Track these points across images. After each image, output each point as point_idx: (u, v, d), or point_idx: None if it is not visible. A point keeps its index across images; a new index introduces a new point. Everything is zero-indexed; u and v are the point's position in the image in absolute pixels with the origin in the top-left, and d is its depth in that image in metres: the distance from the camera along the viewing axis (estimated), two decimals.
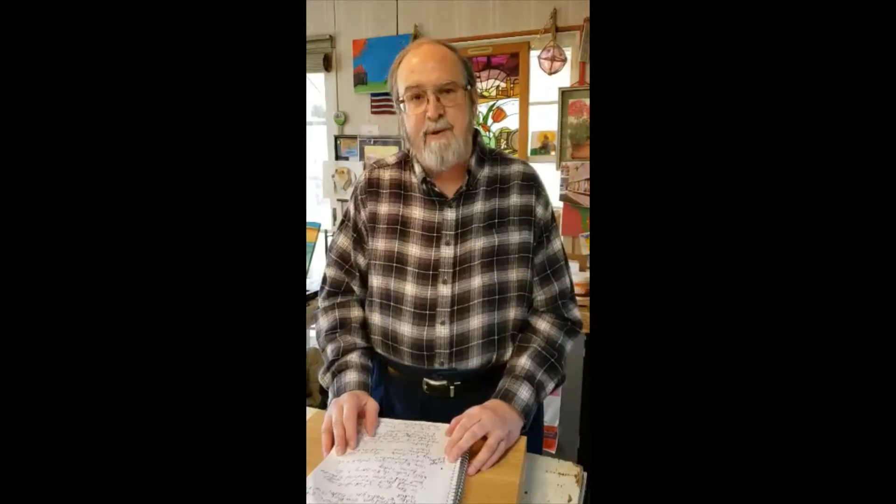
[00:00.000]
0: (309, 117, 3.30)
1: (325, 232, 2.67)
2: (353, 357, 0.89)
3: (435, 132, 0.83)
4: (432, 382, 0.89)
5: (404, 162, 0.94)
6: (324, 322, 0.95)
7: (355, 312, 0.94)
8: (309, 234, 2.17)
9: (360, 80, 2.60)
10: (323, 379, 0.91)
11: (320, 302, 0.98)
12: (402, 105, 0.86)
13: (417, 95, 0.83)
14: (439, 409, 0.82)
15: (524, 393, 0.81)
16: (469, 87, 0.86)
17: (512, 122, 2.31)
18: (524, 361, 0.85)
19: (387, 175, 0.93)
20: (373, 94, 2.59)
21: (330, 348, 0.91)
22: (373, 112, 2.62)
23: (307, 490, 0.63)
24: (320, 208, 2.95)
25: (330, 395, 0.87)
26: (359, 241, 0.94)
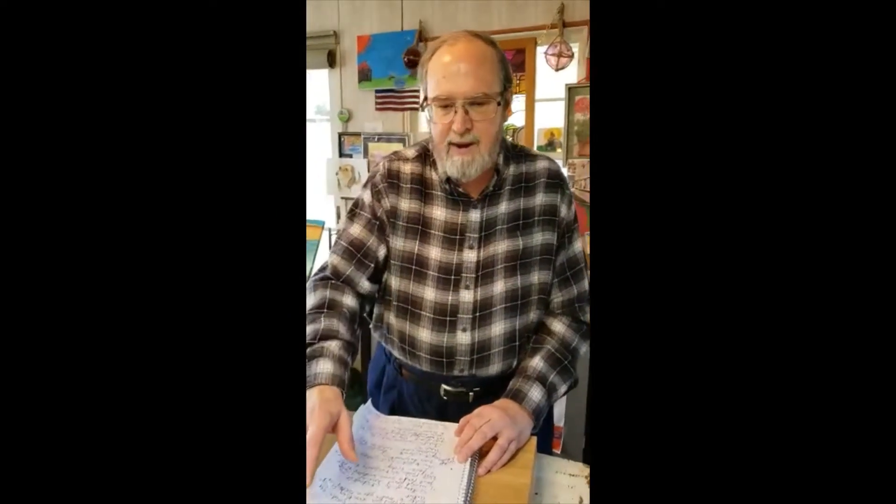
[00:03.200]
0: (313, 114, 3.29)
1: (329, 230, 2.66)
2: (332, 345, 0.75)
3: (460, 145, 0.78)
4: (450, 389, 0.87)
5: (425, 156, 0.87)
6: (310, 300, 0.83)
7: (348, 300, 0.83)
8: (312, 232, 2.15)
9: (364, 76, 2.59)
10: None
11: (310, 281, 0.88)
12: (427, 107, 0.80)
13: (446, 105, 0.77)
14: (456, 414, 0.77)
15: (535, 394, 0.79)
16: (504, 92, 0.80)
17: (518, 119, 2.30)
18: (537, 362, 0.83)
19: (408, 169, 0.87)
20: (377, 91, 2.58)
21: (307, 331, 0.78)
22: (377, 109, 2.61)
23: (315, 479, 0.62)
24: (323, 206, 2.94)
25: None
26: (381, 230, 0.86)
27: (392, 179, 0.87)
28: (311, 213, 2.52)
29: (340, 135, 2.73)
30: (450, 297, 0.84)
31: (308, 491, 0.59)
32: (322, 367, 0.72)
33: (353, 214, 0.90)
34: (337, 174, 2.74)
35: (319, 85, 2.83)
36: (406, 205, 0.86)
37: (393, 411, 0.88)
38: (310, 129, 3.23)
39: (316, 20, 2.64)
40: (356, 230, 0.87)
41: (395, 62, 2.47)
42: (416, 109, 2.54)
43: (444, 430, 0.75)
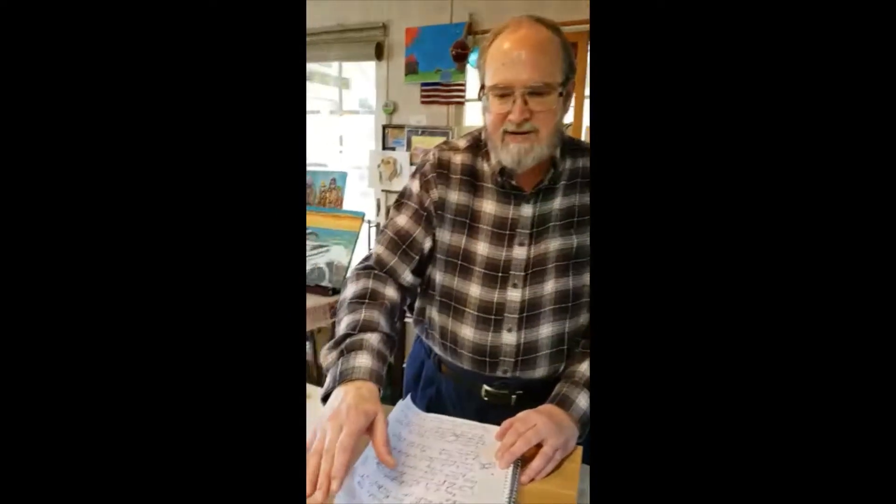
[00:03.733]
0: (357, 107, 3.31)
1: (369, 222, 2.66)
2: (372, 338, 0.71)
3: (516, 133, 0.74)
4: (492, 390, 0.83)
5: (477, 147, 0.83)
6: (351, 289, 0.80)
7: (390, 292, 0.81)
8: (353, 224, 2.16)
9: (411, 69, 2.57)
10: (326, 357, 0.72)
11: (352, 271, 0.85)
12: (484, 95, 0.77)
13: (504, 94, 0.73)
14: (497, 416, 0.74)
15: (583, 401, 0.75)
16: (567, 82, 0.75)
17: (566, 115, 2.23)
18: (585, 368, 0.78)
19: (458, 159, 0.83)
20: (423, 84, 2.56)
21: (346, 321, 0.74)
22: (422, 102, 2.59)
23: (353, 475, 0.60)
24: (365, 199, 2.95)
25: (328, 380, 0.69)
26: (429, 222, 0.84)
27: (442, 169, 0.83)
28: (353, 205, 2.54)
29: (384, 127, 2.73)
30: (496, 295, 0.80)
31: (345, 487, 0.57)
32: (360, 361, 0.68)
33: (399, 204, 0.87)
34: (379, 167, 2.74)
35: (366, 77, 2.84)
36: (455, 196, 0.82)
37: (430, 408, 0.85)
38: (353, 121, 3.25)
39: (365, 11, 2.64)
40: (402, 220, 0.85)
41: (442, 55, 2.44)
42: (462, 103, 2.51)
43: (485, 433, 0.72)
